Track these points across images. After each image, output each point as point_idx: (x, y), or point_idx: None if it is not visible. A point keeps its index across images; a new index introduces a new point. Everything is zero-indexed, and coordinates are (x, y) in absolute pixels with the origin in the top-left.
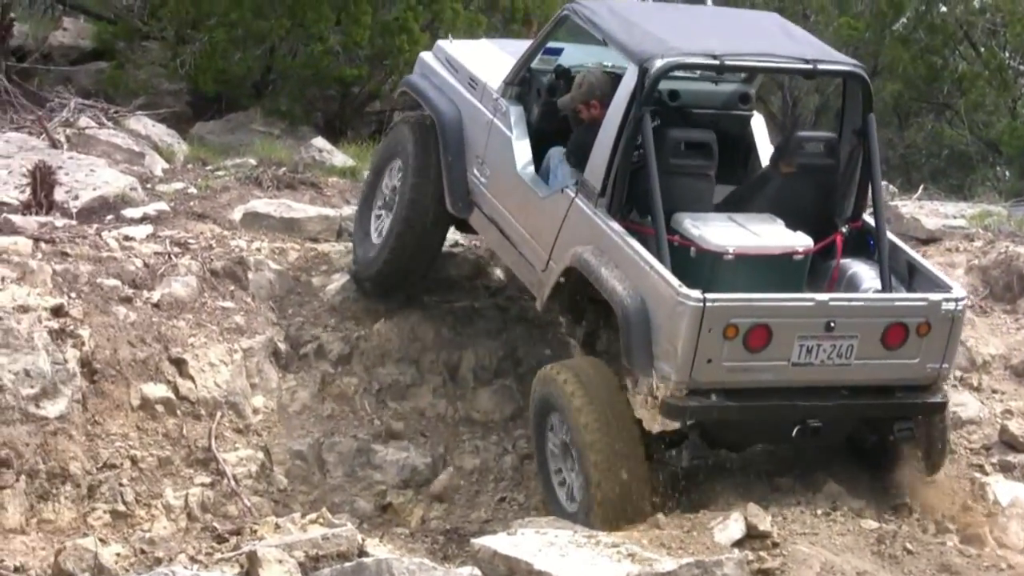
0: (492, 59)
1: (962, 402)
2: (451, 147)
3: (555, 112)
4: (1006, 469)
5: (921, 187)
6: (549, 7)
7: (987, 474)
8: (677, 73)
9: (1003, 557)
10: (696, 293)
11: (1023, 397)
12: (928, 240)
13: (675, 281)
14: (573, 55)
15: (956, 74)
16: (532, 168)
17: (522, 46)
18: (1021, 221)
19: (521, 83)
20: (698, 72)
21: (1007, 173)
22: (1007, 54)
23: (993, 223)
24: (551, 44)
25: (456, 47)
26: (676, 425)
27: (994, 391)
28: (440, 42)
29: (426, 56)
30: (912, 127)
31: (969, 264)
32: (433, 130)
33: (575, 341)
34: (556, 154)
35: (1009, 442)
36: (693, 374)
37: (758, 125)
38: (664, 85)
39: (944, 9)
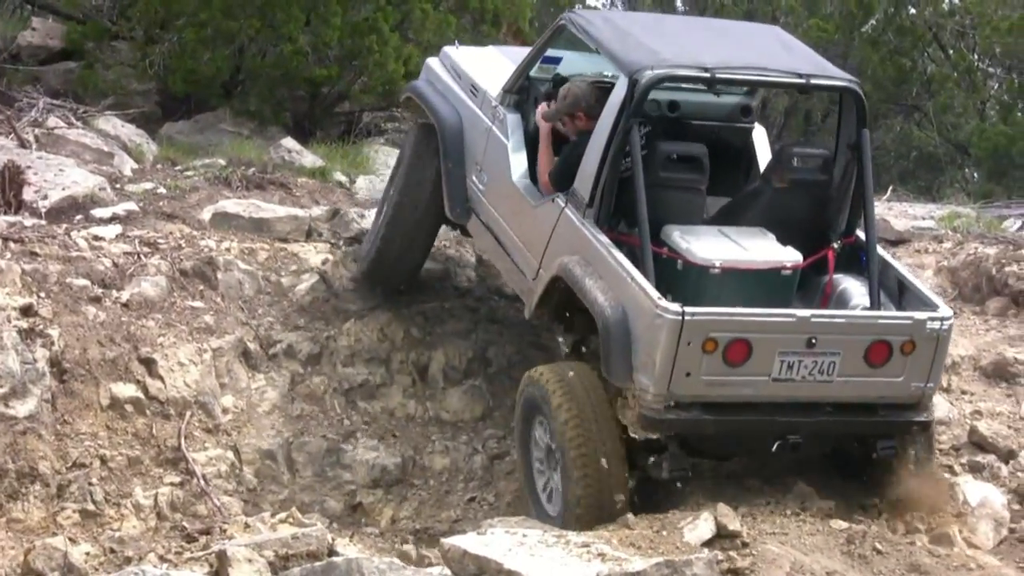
0: (495, 67)
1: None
2: (451, 154)
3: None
4: (975, 470)
5: (890, 188)
6: (518, 9)
7: (956, 474)
8: (679, 84)
9: (972, 557)
10: (675, 306)
11: (992, 398)
12: (897, 241)
13: (654, 293)
14: (572, 64)
15: (925, 76)
16: (528, 177)
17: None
18: (990, 223)
19: (519, 91)
20: (699, 83)
21: (976, 175)
22: (976, 56)
23: (962, 225)
24: (550, 53)
25: (461, 53)
26: (654, 436)
27: (963, 392)
28: (446, 48)
29: (432, 62)
30: (881, 128)
31: (938, 265)
32: (432, 135)
33: (565, 349)
34: None
35: (978, 443)
36: (671, 387)
37: (760, 137)
38: (664, 96)
39: (913, 11)
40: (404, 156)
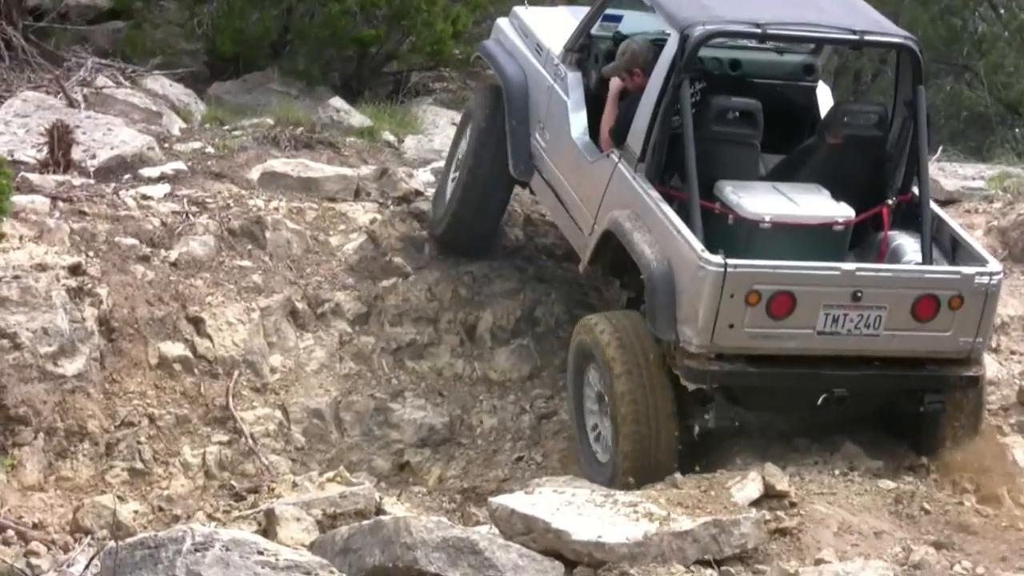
0: (561, 27)
1: None
2: (516, 112)
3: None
4: None
5: (940, 148)
6: None
7: (1005, 435)
8: (740, 43)
9: (1020, 517)
10: (718, 258)
11: None
12: (947, 202)
13: (698, 246)
14: (633, 23)
15: (976, 36)
16: (587, 134)
17: None
18: None
19: (581, 49)
20: (750, 39)
21: None
22: None
23: (1012, 185)
24: (611, 11)
25: (530, 13)
26: (699, 384)
27: (1012, 352)
28: (516, 8)
29: (502, 22)
30: (931, 88)
31: (988, 225)
32: (501, 95)
33: (619, 304)
34: None
35: None
36: (715, 339)
37: (824, 95)
38: (726, 54)
39: None
40: (475, 118)
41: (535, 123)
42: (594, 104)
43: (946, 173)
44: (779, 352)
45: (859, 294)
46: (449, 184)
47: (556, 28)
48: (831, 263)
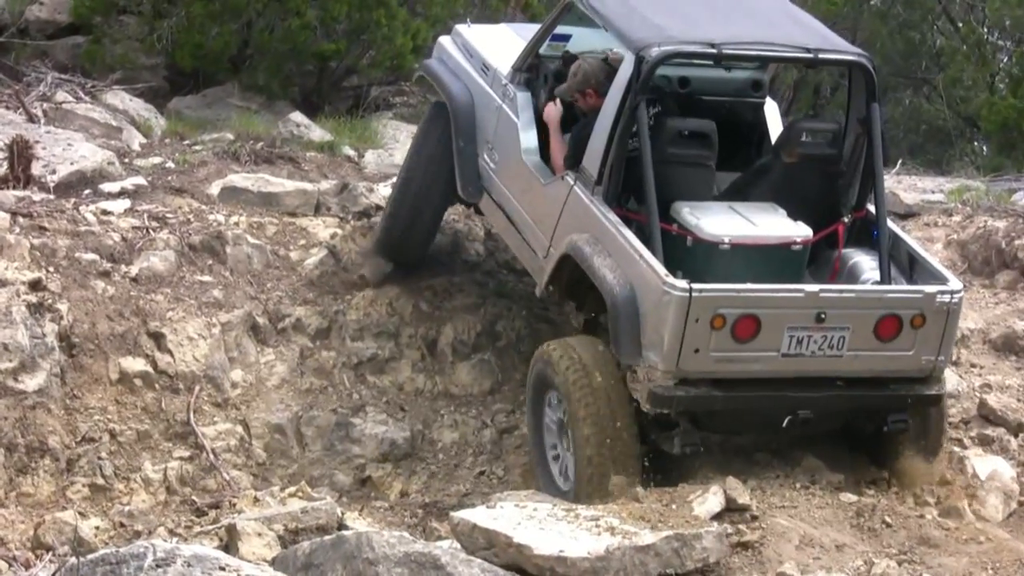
0: (506, 45)
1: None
2: (463, 132)
3: (563, 98)
4: (985, 443)
5: (899, 162)
6: None
7: (966, 448)
8: (688, 60)
9: (981, 530)
10: (682, 283)
11: (1002, 371)
12: (907, 215)
13: (662, 270)
14: (582, 41)
15: (934, 49)
16: (537, 154)
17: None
18: (999, 196)
19: (529, 69)
20: (706, 60)
21: (985, 148)
22: (986, 29)
23: (971, 198)
24: (559, 30)
25: (473, 32)
26: (664, 410)
27: (973, 365)
28: (458, 26)
29: (444, 40)
30: (890, 102)
31: (948, 239)
32: (441, 113)
33: (576, 327)
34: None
35: (987, 416)
36: (680, 364)
37: (771, 111)
38: (674, 72)
39: None
40: (416, 135)
41: (483, 143)
42: (543, 124)
43: (905, 186)
44: (744, 375)
45: (823, 315)
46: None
47: (501, 47)
48: (795, 285)
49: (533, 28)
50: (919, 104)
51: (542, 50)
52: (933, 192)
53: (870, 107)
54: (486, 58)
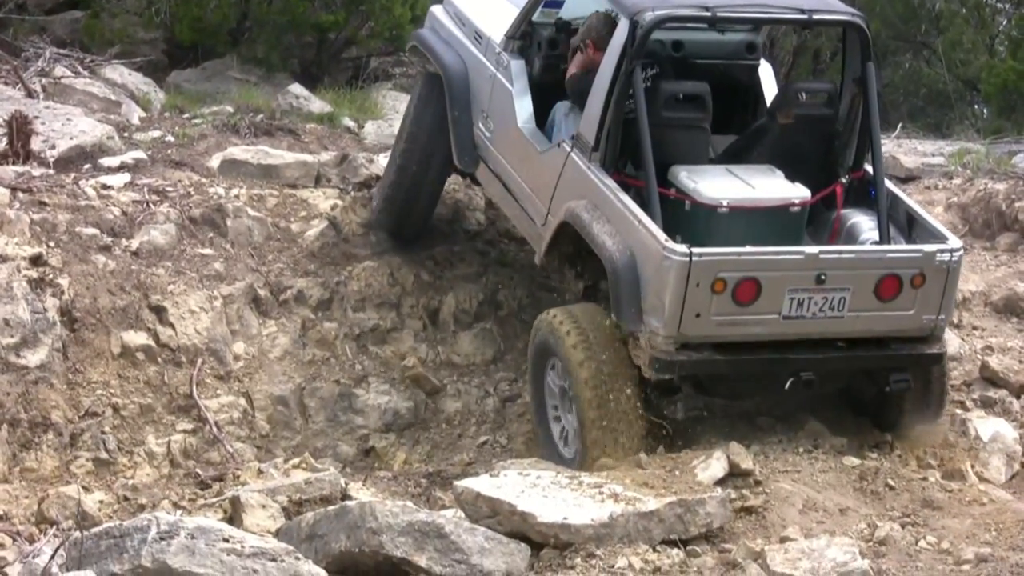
0: (498, 12)
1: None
2: (457, 102)
3: (557, 65)
4: (987, 405)
5: (899, 126)
6: None
7: (968, 410)
8: (682, 24)
9: (984, 492)
10: (683, 247)
11: (1003, 333)
12: (907, 178)
13: (662, 235)
14: (575, 7)
15: (934, 13)
16: (533, 122)
17: None
18: (999, 159)
19: (522, 37)
20: (700, 23)
21: (985, 111)
22: None
23: (972, 161)
24: None
25: (464, 0)
26: (667, 378)
27: (974, 328)
28: None
29: (436, 10)
30: (890, 66)
31: (948, 202)
32: (435, 83)
33: (576, 293)
34: (562, 107)
35: (990, 378)
36: (682, 328)
37: (766, 74)
38: (668, 36)
39: None
40: (409, 105)
41: (478, 112)
42: (538, 92)
43: (905, 150)
44: (745, 339)
45: (823, 277)
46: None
47: (493, 15)
48: (795, 247)
49: None
50: (919, 68)
51: (535, 17)
52: (933, 155)
53: (865, 67)
54: (478, 26)
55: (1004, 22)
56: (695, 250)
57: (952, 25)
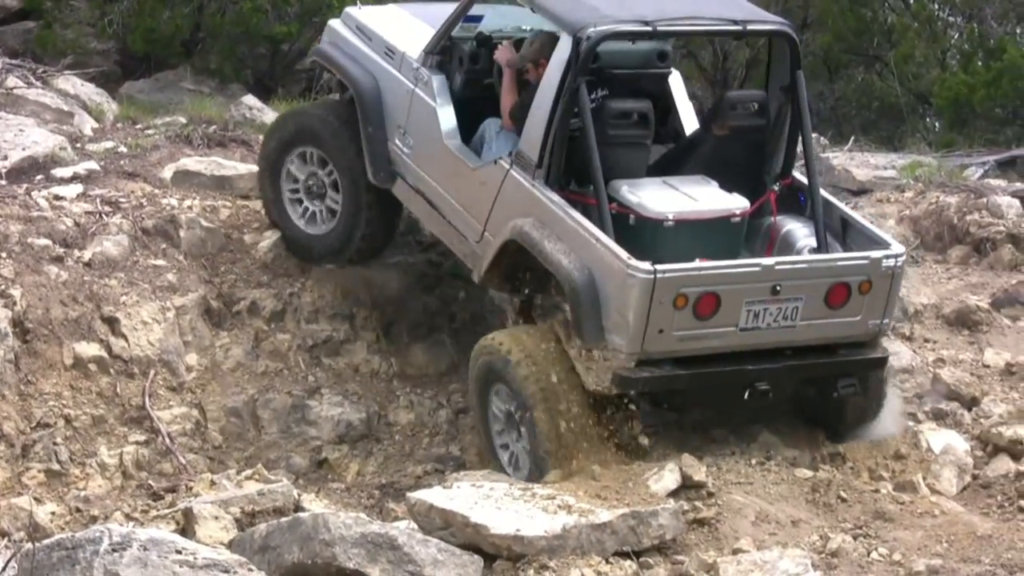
0: (406, 26)
1: (895, 351)
2: (371, 118)
3: (479, 80)
4: (939, 417)
5: (852, 139)
6: None
7: (920, 422)
8: (622, 39)
9: (936, 504)
10: (646, 265)
11: (955, 346)
12: (859, 191)
13: (623, 254)
14: (494, 21)
15: (886, 26)
16: (459, 138)
17: (432, 9)
18: (951, 172)
19: (442, 52)
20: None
21: (937, 124)
22: (936, 6)
23: (924, 174)
24: (471, 11)
25: (366, 14)
26: (628, 394)
27: (926, 340)
28: (349, 9)
29: (335, 24)
30: (842, 79)
31: (900, 215)
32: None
33: (512, 310)
34: (492, 124)
35: (941, 390)
36: (645, 345)
37: (676, 82)
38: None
39: None
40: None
41: (393, 128)
42: (460, 107)
43: (857, 163)
44: (704, 352)
45: (778, 288)
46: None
47: (400, 29)
48: (752, 260)
49: (424, 7)
50: (871, 81)
51: (455, 32)
52: (885, 168)
53: (795, 75)
54: (389, 41)
55: (956, 36)
56: (658, 267)
57: (904, 39)
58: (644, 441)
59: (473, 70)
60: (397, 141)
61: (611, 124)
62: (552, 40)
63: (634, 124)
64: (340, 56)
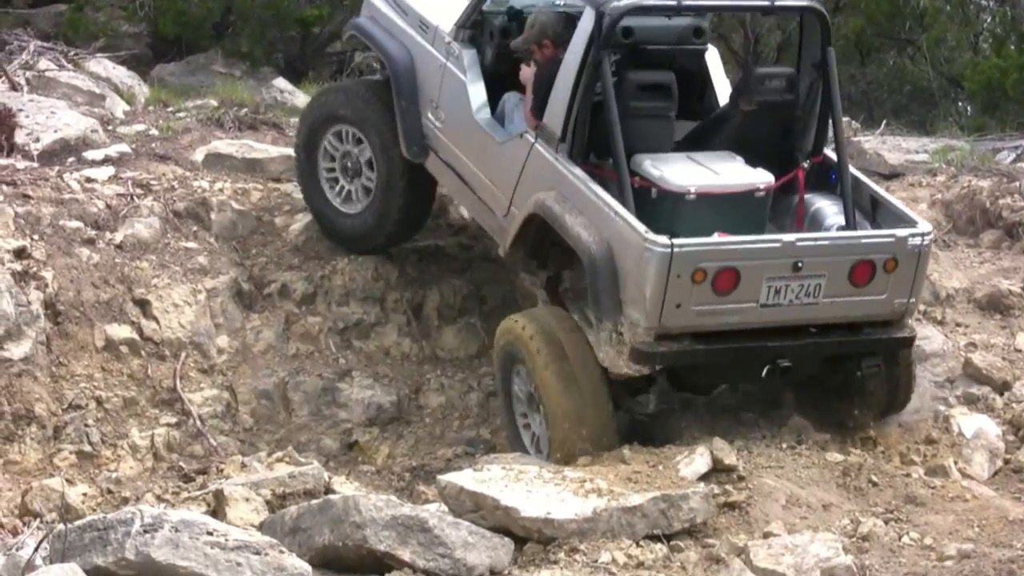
0: (441, 1)
1: (926, 336)
2: (404, 92)
3: (509, 55)
4: (970, 402)
5: (883, 123)
6: None
7: (951, 407)
8: (646, 12)
9: (967, 488)
10: (663, 239)
11: (986, 330)
12: (891, 175)
13: (641, 227)
14: None
15: (918, 10)
16: (488, 112)
17: None
18: (983, 156)
19: (473, 26)
20: (665, 12)
21: (969, 108)
22: None
23: (956, 158)
24: None
25: None
26: (645, 371)
27: (958, 324)
28: None
29: None
30: (874, 63)
31: (932, 199)
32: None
33: (539, 286)
34: (512, 98)
35: (973, 375)
36: (662, 319)
37: (713, 59)
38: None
39: None
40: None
41: (426, 103)
42: (491, 82)
43: (889, 147)
44: (723, 328)
45: (800, 264)
46: None
47: (435, 2)
48: (773, 236)
49: None
50: (903, 65)
51: (486, 6)
52: (917, 152)
53: (825, 52)
54: (423, 15)
55: (988, 19)
56: (676, 241)
57: (936, 22)
58: (651, 411)
59: (504, 44)
60: (430, 115)
61: (633, 96)
62: (552, 20)
63: (656, 96)
64: (376, 30)
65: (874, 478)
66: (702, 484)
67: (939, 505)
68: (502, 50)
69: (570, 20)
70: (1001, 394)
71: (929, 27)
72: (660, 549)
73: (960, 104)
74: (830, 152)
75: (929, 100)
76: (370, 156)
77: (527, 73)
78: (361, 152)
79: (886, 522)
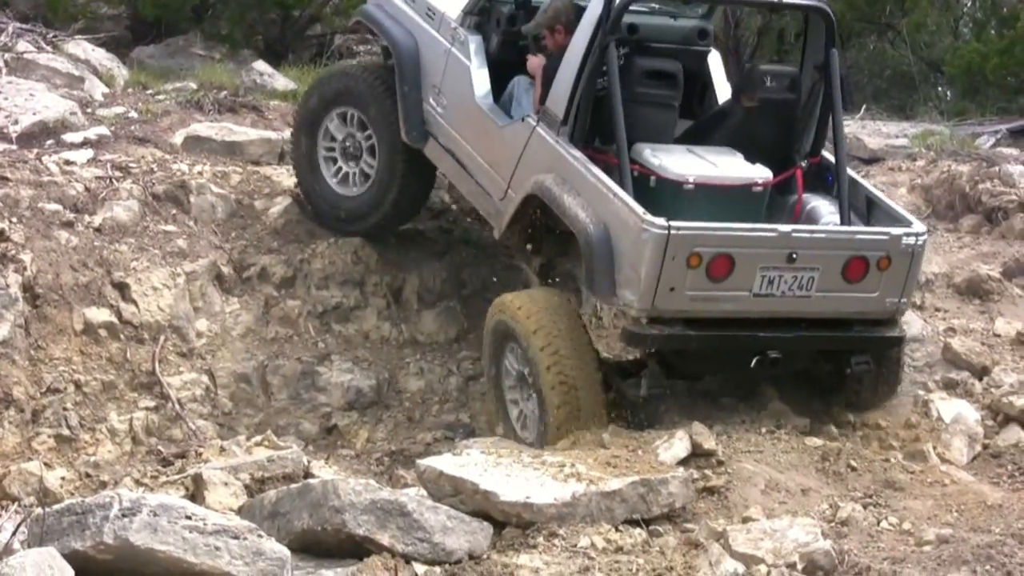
0: None
1: (906, 320)
2: (407, 77)
3: (514, 42)
4: (949, 387)
5: (863, 107)
6: None
7: (930, 391)
8: (636, 7)
9: (946, 473)
10: (661, 220)
11: (966, 315)
12: (871, 160)
13: (639, 208)
14: None
15: None
16: (491, 98)
17: None
18: (963, 141)
19: (480, 13)
20: (656, 6)
21: (949, 93)
22: None
23: (935, 143)
24: None
25: None
26: (636, 353)
27: (937, 309)
28: None
29: None
30: (854, 47)
31: (912, 183)
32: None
33: (531, 270)
34: (521, 82)
35: (952, 360)
36: (656, 302)
37: (715, 61)
38: (624, 18)
39: None
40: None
41: (428, 88)
42: (496, 69)
43: (869, 131)
44: (716, 315)
45: (794, 256)
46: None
47: None
48: (769, 225)
49: None
50: (883, 49)
51: None
52: (897, 137)
53: (829, 52)
54: (431, 2)
55: (968, 4)
56: (673, 223)
57: (917, 7)
58: (642, 395)
59: (510, 32)
60: (431, 100)
61: (639, 82)
62: (565, 6)
63: (661, 83)
64: (382, 16)
65: (853, 463)
66: (681, 469)
67: (918, 490)
68: (508, 38)
69: (582, 10)
70: (980, 379)
71: (910, 12)
72: (639, 534)
73: (940, 89)
74: (826, 153)
75: (909, 85)
76: (373, 142)
77: (535, 63)
78: (365, 137)
79: (865, 507)
